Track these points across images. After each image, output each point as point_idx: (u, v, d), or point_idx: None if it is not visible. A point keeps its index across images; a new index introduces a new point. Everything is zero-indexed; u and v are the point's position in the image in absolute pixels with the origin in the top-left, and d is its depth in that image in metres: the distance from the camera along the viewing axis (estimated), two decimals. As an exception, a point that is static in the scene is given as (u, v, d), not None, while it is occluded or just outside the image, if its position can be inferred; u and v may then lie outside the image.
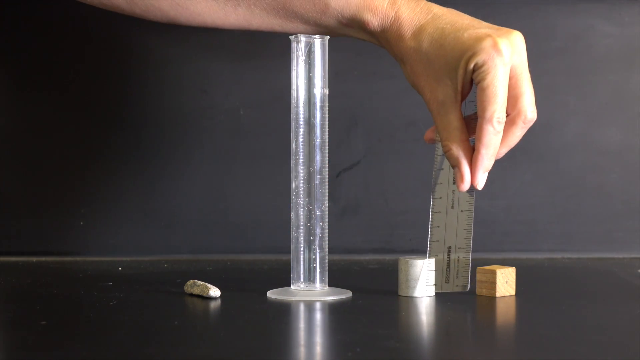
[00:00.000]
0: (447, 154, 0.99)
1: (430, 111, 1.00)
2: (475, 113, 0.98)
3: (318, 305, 0.97)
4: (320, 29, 1.05)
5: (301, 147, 1.00)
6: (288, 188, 1.02)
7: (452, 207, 1.01)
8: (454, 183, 1.01)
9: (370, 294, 1.02)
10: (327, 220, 1.01)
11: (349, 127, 1.28)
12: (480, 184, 0.98)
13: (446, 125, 0.98)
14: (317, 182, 1.00)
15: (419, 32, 1.00)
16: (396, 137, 1.28)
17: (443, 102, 0.98)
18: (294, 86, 1.00)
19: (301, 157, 1.00)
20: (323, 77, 1.00)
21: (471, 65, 0.97)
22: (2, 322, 0.91)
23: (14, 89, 1.27)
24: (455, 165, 0.98)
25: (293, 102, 1.00)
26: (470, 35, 0.97)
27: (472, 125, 0.98)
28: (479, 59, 0.96)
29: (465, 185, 0.98)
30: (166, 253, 1.26)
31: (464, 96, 0.98)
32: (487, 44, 0.97)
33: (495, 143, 0.96)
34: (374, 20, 1.02)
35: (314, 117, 1.00)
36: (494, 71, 0.96)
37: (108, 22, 1.27)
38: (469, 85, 0.98)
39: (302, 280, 1.01)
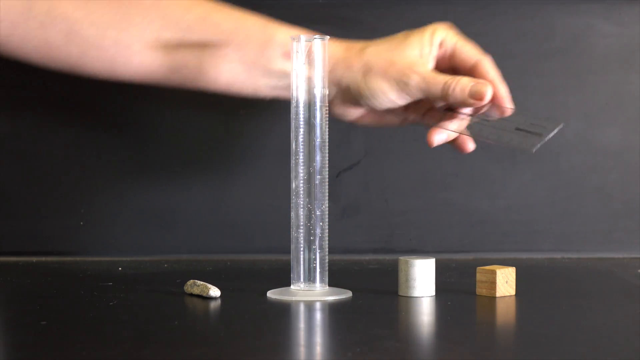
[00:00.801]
0: (456, 90, 1.01)
1: (415, 88, 1.02)
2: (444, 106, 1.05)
3: (318, 305, 0.97)
4: (257, 73, 1.06)
5: (301, 147, 1.00)
6: (288, 188, 1.02)
7: (488, 121, 1.03)
8: (477, 119, 1.03)
9: (370, 294, 1.02)
10: (327, 220, 1.01)
11: (349, 127, 1.28)
12: (506, 99, 1.03)
13: (436, 81, 1.01)
14: (317, 182, 1.00)
15: (372, 43, 1.05)
16: (396, 137, 1.28)
17: (422, 73, 1.02)
18: (294, 86, 1.00)
19: (301, 157, 1.00)
20: (323, 77, 1.00)
21: (437, 39, 1.03)
22: (2, 322, 0.91)
23: (14, 89, 1.27)
24: (468, 86, 1.01)
25: (293, 102, 1.00)
26: (418, 29, 1.05)
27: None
28: (440, 31, 1.04)
29: (488, 92, 1.01)
30: (166, 253, 1.26)
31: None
32: (436, 24, 1.05)
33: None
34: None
35: (314, 117, 1.00)
36: (457, 35, 1.05)
37: (108, 22, 1.27)
38: (435, 58, 1.04)
39: (302, 280, 1.01)
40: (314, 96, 1.00)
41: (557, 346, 0.82)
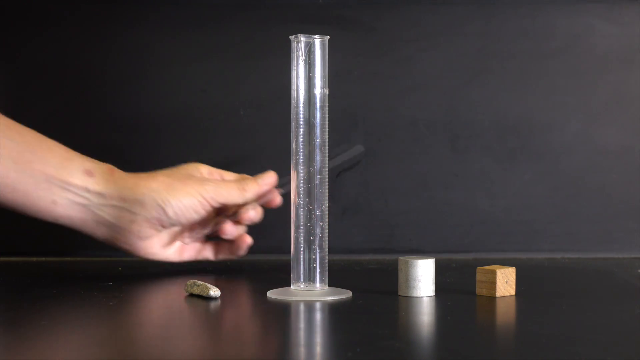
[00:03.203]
0: (249, 184, 1.12)
1: (212, 192, 1.10)
2: None
3: (318, 305, 0.97)
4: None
5: (301, 147, 1.00)
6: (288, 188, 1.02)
7: None
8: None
9: (370, 294, 1.02)
10: (327, 220, 1.01)
11: (349, 127, 1.28)
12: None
13: (229, 184, 1.11)
14: (317, 182, 1.00)
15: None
16: (396, 137, 1.28)
17: (214, 182, 1.11)
18: (294, 86, 1.00)
19: (301, 157, 1.00)
20: (323, 77, 1.00)
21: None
22: (2, 322, 0.91)
23: (14, 89, 1.27)
24: (256, 178, 1.14)
25: (293, 102, 1.00)
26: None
27: None
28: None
29: (272, 174, 1.14)
30: (166, 253, 1.26)
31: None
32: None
33: None
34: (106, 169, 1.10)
35: (314, 117, 1.00)
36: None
37: (108, 22, 1.27)
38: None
39: (302, 280, 1.01)
40: (314, 96, 1.00)
41: (557, 346, 0.82)
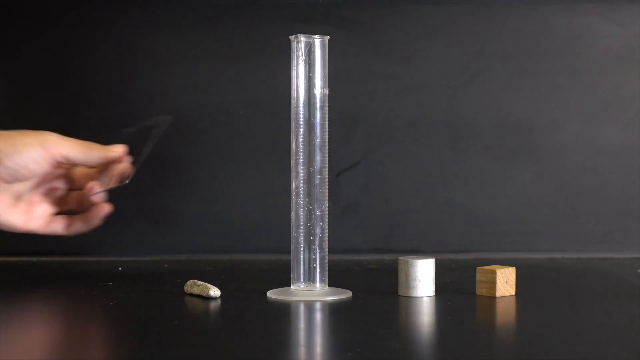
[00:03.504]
0: (96, 147, 1.09)
1: (56, 143, 1.07)
2: None
3: (318, 305, 0.97)
4: None
5: (301, 147, 1.00)
6: (288, 188, 1.02)
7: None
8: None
9: (370, 294, 1.02)
10: (327, 220, 1.01)
11: (349, 127, 1.28)
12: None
13: (77, 141, 1.08)
14: (317, 182, 1.00)
15: None
16: (396, 137, 1.28)
17: (60, 137, 1.08)
18: (294, 86, 1.00)
19: (301, 157, 1.00)
20: (323, 77, 1.00)
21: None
22: (1, 321, 0.91)
23: (14, 89, 1.27)
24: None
25: (293, 102, 1.00)
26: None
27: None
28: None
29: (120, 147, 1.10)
30: (166, 253, 1.26)
31: None
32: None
33: None
34: None
35: (314, 117, 1.00)
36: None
37: (108, 23, 1.27)
38: None
39: (302, 280, 1.01)
40: (314, 96, 1.00)
41: (557, 346, 0.82)
